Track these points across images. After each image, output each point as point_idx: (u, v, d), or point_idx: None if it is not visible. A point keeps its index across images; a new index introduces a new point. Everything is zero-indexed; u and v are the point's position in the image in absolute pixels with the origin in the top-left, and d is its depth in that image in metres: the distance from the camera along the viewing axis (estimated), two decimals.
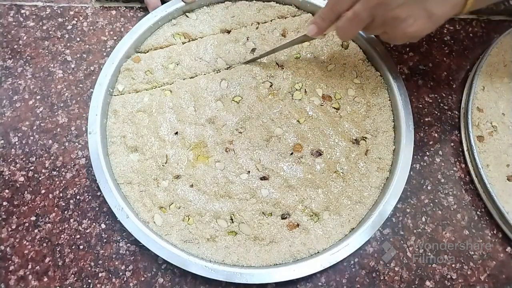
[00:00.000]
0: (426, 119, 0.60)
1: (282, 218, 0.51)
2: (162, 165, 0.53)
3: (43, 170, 0.55)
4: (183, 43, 0.59)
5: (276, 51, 0.57)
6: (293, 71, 0.57)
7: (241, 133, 0.55)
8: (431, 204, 0.55)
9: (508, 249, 0.53)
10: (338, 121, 0.56)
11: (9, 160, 0.56)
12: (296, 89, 0.57)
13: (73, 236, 0.52)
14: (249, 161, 0.53)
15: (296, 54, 0.58)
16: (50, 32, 0.63)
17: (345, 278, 0.52)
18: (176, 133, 0.54)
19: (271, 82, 0.57)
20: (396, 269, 0.52)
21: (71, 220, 0.53)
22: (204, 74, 0.58)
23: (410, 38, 0.44)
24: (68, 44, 0.62)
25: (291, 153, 0.54)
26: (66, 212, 0.53)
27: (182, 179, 0.52)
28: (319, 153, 0.54)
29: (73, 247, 0.52)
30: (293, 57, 0.58)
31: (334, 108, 0.56)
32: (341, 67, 0.58)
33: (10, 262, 0.51)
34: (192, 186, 0.52)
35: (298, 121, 0.55)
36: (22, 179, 0.55)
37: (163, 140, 0.54)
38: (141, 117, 0.55)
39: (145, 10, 0.63)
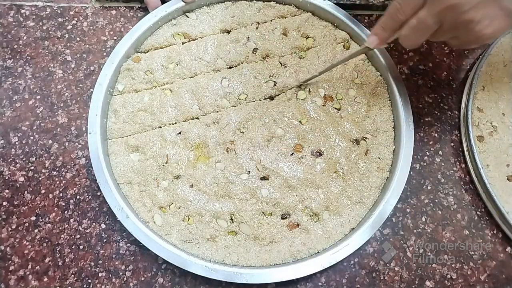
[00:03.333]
0: (426, 119, 0.60)
1: (282, 218, 0.51)
2: (163, 165, 0.53)
3: (43, 170, 0.55)
4: (183, 43, 0.59)
5: (333, 67, 0.55)
6: (295, 70, 0.57)
7: (242, 133, 0.55)
8: (431, 204, 0.55)
9: (508, 249, 0.53)
10: (339, 121, 0.56)
11: (9, 160, 0.56)
12: (301, 89, 0.57)
13: (73, 236, 0.52)
14: (250, 161, 0.53)
15: (299, 54, 0.59)
16: (50, 32, 0.63)
17: (345, 278, 0.52)
18: (180, 132, 0.54)
19: (274, 81, 0.57)
20: (396, 269, 0.52)
21: (71, 220, 0.53)
22: (204, 74, 0.58)
23: (485, 40, 0.40)
24: (68, 44, 0.62)
25: (292, 153, 0.54)
26: (66, 212, 0.53)
27: (182, 179, 0.52)
28: (320, 153, 0.54)
29: (73, 247, 0.52)
30: (297, 56, 0.58)
31: (336, 108, 0.56)
32: (343, 67, 0.58)
33: (10, 262, 0.51)
34: (192, 186, 0.52)
35: (300, 121, 0.55)
36: (22, 179, 0.55)
37: (165, 140, 0.54)
38: (142, 116, 0.55)
39: (145, 10, 0.63)
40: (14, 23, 0.63)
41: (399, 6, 0.41)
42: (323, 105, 0.56)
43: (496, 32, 0.40)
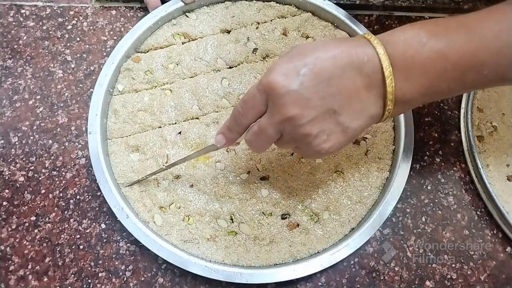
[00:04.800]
0: (426, 119, 0.60)
1: (282, 218, 0.51)
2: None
3: (43, 170, 0.55)
4: (183, 43, 0.59)
5: (186, 160, 0.50)
6: None
7: None
8: (431, 204, 0.55)
9: (508, 249, 0.53)
10: None
11: (9, 160, 0.56)
12: None
13: (73, 236, 0.52)
14: (250, 161, 0.53)
15: None
16: (50, 32, 0.63)
17: (345, 278, 0.52)
18: (180, 132, 0.54)
19: None
20: (396, 269, 0.52)
21: (71, 220, 0.53)
22: (204, 74, 0.58)
23: (324, 154, 0.39)
24: (68, 44, 0.62)
25: (292, 153, 0.54)
26: (66, 212, 0.53)
27: (182, 179, 0.52)
28: None
29: (73, 247, 0.52)
30: None
31: None
32: None
33: (10, 262, 0.51)
34: (192, 186, 0.52)
35: None
36: (22, 179, 0.55)
37: (165, 140, 0.54)
38: (142, 117, 0.55)
39: (145, 10, 0.63)
40: (14, 23, 0.63)
41: (241, 110, 0.39)
42: None
43: (334, 147, 0.38)
